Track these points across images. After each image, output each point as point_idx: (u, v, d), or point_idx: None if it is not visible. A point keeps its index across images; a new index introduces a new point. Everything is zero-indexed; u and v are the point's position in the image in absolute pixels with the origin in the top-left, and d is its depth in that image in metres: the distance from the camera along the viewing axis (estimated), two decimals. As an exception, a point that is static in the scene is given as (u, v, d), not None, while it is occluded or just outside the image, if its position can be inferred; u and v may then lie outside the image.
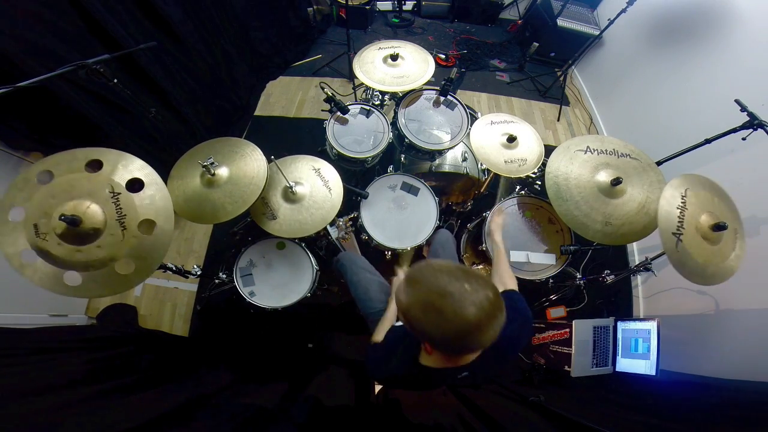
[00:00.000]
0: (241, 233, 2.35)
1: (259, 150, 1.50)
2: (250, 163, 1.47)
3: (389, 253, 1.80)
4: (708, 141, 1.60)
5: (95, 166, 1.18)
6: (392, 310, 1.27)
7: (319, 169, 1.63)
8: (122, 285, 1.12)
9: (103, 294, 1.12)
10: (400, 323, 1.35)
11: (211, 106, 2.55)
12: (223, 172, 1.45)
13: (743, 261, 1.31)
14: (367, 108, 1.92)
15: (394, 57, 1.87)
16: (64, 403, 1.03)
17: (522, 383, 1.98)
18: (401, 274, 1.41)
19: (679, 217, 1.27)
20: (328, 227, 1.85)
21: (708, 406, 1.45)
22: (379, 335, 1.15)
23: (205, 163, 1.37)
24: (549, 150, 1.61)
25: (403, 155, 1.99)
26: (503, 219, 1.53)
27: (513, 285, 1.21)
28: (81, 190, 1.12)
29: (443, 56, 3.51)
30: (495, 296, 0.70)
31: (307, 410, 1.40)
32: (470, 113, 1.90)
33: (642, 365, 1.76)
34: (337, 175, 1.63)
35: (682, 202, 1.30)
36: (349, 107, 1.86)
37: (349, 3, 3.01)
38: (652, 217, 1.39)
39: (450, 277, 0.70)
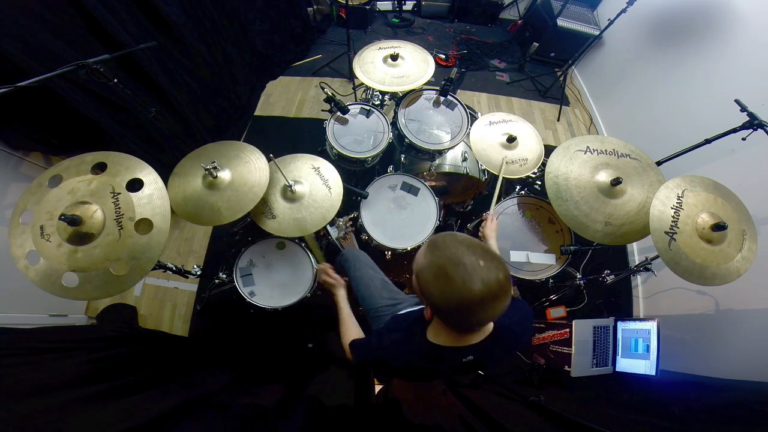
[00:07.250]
0: (241, 233, 2.34)
1: (264, 159, 1.49)
2: (253, 171, 1.46)
3: (389, 253, 1.80)
4: (708, 141, 1.60)
5: (99, 168, 1.20)
6: (343, 309, 1.30)
7: (318, 168, 1.63)
8: (117, 287, 1.12)
9: (98, 296, 1.13)
10: (405, 311, 1.34)
11: (211, 106, 2.54)
12: (225, 175, 1.45)
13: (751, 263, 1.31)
14: (367, 108, 1.92)
15: (394, 57, 1.87)
16: (63, 403, 1.03)
17: (522, 383, 1.98)
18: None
19: (673, 217, 1.29)
20: (328, 227, 1.85)
21: (708, 406, 1.45)
22: (351, 332, 1.18)
23: (208, 167, 1.37)
24: (549, 150, 1.61)
25: (403, 155, 1.99)
26: (497, 225, 1.54)
27: None
28: (85, 192, 1.14)
29: (443, 56, 3.51)
30: (505, 280, 0.72)
31: (307, 410, 1.40)
32: (470, 113, 1.90)
33: (642, 365, 1.75)
34: (337, 173, 1.62)
35: (677, 203, 1.31)
36: (349, 107, 1.86)
37: (349, 3, 3.01)
38: (652, 217, 1.39)
39: (468, 250, 0.72)
